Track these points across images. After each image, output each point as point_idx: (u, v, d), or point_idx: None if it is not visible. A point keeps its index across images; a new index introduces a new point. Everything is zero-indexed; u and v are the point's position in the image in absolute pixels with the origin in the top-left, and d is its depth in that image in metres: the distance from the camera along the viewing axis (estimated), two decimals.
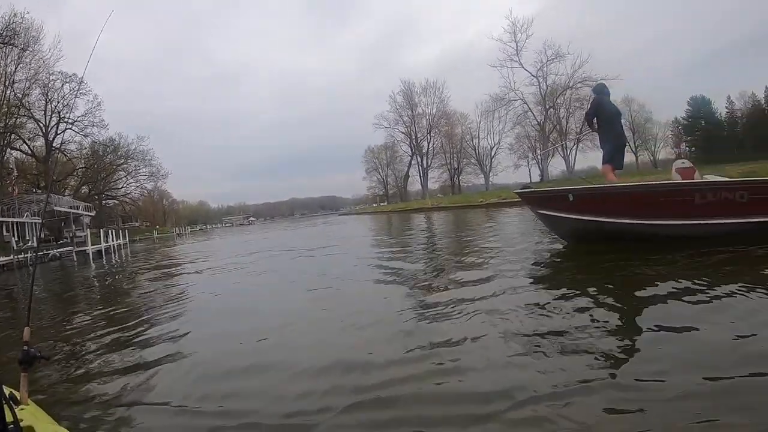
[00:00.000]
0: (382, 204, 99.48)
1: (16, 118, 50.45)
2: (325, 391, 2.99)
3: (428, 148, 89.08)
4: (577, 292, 4.87)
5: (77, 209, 46.52)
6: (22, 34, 47.73)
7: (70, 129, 57.75)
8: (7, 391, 1.50)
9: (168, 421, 2.86)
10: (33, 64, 51.09)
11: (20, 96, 50.29)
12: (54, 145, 56.85)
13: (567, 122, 70.87)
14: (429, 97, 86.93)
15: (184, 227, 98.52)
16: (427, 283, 6.57)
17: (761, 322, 3.36)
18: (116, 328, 5.70)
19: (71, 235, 35.00)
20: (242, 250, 18.35)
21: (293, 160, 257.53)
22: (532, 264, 7.01)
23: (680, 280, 4.72)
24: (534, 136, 75.05)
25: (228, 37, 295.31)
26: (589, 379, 2.75)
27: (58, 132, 57.13)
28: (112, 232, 35.53)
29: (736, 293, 4.09)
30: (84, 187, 65.54)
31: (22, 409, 1.60)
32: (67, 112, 55.66)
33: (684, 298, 4.13)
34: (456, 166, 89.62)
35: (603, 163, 8.04)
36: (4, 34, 45.53)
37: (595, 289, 4.88)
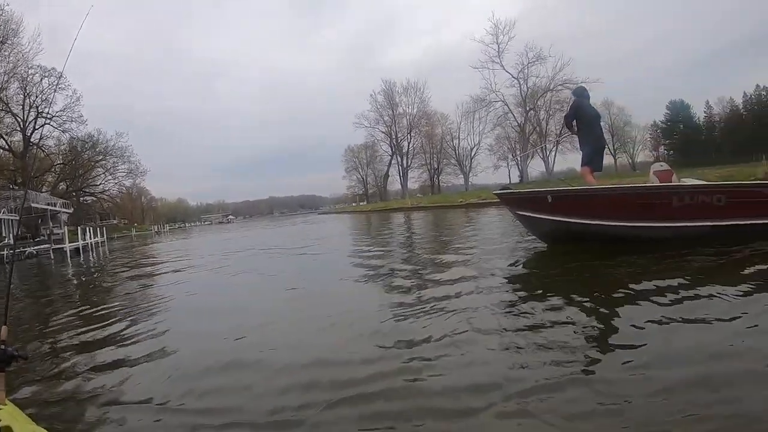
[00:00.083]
0: (361, 203, 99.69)
1: None
2: (306, 388, 3.01)
3: (408, 148, 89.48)
4: (554, 292, 4.92)
5: (55, 206, 45.77)
6: (1, 27, 47.03)
7: (49, 124, 56.90)
8: None
9: (147, 418, 2.84)
10: (12, 58, 50.32)
11: None
12: (32, 140, 55.96)
13: (547, 124, 71.77)
14: (410, 97, 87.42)
15: (163, 225, 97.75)
16: (405, 281, 6.60)
17: (736, 319, 3.45)
18: (94, 326, 5.64)
19: (49, 232, 34.43)
20: (221, 249, 18.26)
21: (273, 159, 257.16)
22: (510, 264, 7.06)
23: (657, 280, 4.81)
24: (514, 137, 75.73)
25: (208, 34, 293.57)
26: (567, 375, 2.80)
27: (36, 127, 56.18)
28: (89, 229, 35.06)
29: (713, 293, 4.18)
30: (62, 183, 64.49)
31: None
32: (45, 107, 54.86)
33: (660, 297, 4.20)
34: (436, 166, 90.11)
35: (582, 165, 8.14)
36: None
37: (572, 288, 4.94)
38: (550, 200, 7.46)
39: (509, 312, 4.36)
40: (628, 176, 36.82)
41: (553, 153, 68.14)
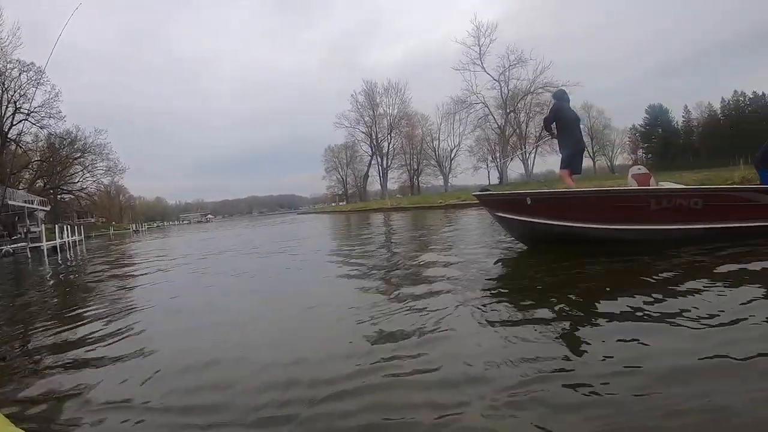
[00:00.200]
0: (341, 203, 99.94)
1: None
2: (287, 386, 3.02)
3: (388, 149, 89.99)
4: (533, 291, 5.02)
5: (32, 204, 45.10)
6: None
7: (27, 120, 56.10)
8: None
9: (132, 418, 2.82)
10: None
11: None
12: (9, 136, 55.11)
13: (527, 126, 72.10)
14: (391, 98, 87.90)
15: (141, 224, 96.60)
16: (385, 280, 6.62)
17: (713, 317, 3.55)
18: (72, 326, 5.58)
19: (26, 230, 33.93)
20: (200, 249, 18.11)
21: (252, 158, 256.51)
22: (489, 264, 7.11)
23: (634, 281, 4.94)
24: (494, 139, 76.15)
25: (188, 31, 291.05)
26: (545, 372, 2.85)
27: (14, 123, 55.43)
28: (67, 228, 34.60)
29: (689, 292, 4.30)
30: (39, 180, 63.63)
31: None
32: (23, 102, 54.09)
33: (637, 296, 4.27)
34: (416, 167, 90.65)
35: (561, 168, 8.21)
36: None
37: (550, 288, 5.04)
38: (529, 202, 7.52)
39: (488, 310, 4.39)
40: (606, 179, 37.15)
41: (532, 155, 68.69)
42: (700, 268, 5.42)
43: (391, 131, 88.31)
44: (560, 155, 8.30)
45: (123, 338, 4.79)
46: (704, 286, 4.45)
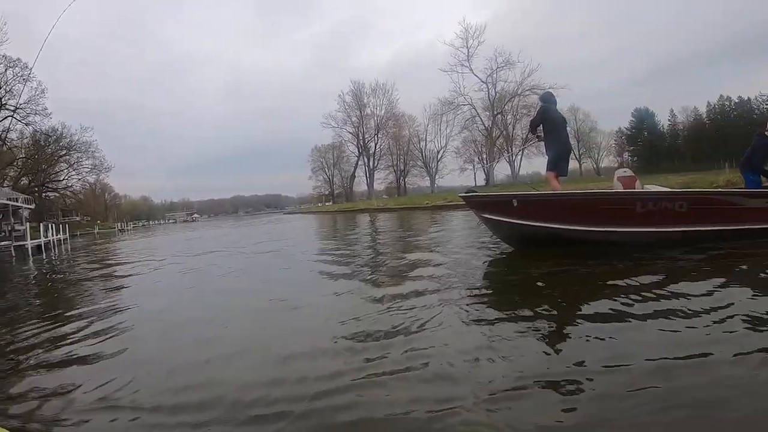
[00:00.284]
0: (327, 204, 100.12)
1: None
2: (272, 384, 3.03)
3: (375, 149, 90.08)
4: (518, 292, 5.11)
5: (16, 201, 44.57)
6: None
7: (12, 117, 55.45)
8: None
9: (117, 417, 2.82)
10: None
11: None
12: None
13: (513, 128, 72.30)
14: (378, 99, 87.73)
15: (126, 223, 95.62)
16: (372, 281, 6.65)
17: (697, 317, 3.63)
18: (57, 325, 5.52)
19: (10, 228, 33.51)
20: (186, 249, 17.99)
21: (238, 157, 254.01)
22: (475, 265, 7.17)
23: (618, 282, 4.98)
24: (481, 140, 76.29)
25: (173, 28, 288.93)
26: (531, 371, 2.87)
27: None
28: (52, 226, 34.31)
29: (673, 292, 4.37)
30: (24, 178, 62.92)
31: None
32: (9, 98, 53.50)
33: (622, 297, 4.32)
34: (402, 167, 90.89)
35: (547, 170, 8.24)
36: None
37: (535, 289, 5.13)
38: (515, 204, 7.55)
39: (474, 310, 4.43)
40: (592, 181, 37.42)
41: (518, 157, 69.03)
42: (684, 269, 5.51)
43: (378, 132, 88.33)
44: (546, 157, 8.35)
45: (109, 338, 4.75)
46: (687, 287, 4.51)
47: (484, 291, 5.37)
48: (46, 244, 29.56)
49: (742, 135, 46.10)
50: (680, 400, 2.38)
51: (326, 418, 2.55)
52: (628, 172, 8.58)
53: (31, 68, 48.55)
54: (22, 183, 61.09)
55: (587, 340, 3.38)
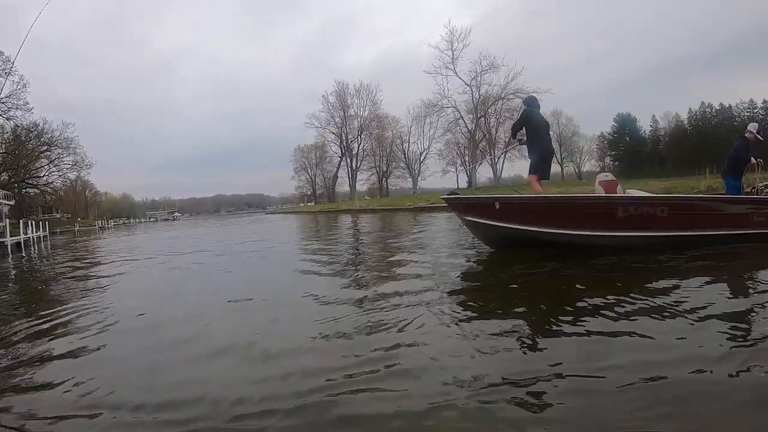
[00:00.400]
0: (309, 204, 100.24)
1: None
2: (264, 381, 3.04)
3: (358, 150, 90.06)
4: (501, 293, 5.13)
5: None
6: None
7: None
8: None
9: (101, 412, 2.80)
10: None
11: None
12: None
13: (497, 131, 72.57)
14: (362, 99, 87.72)
15: (107, 220, 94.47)
16: (355, 280, 6.68)
17: (679, 317, 3.72)
18: (36, 323, 5.43)
19: None
20: (168, 248, 17.85)
21: (221, 156, 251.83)
22: (457, 267, 7.19)
23: (601, 285, 5.04)
24: (464, 143, 76.44)
25: (159, 25, 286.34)
26: (520, 371, 2.91)
27: None
28: (32, 223, 33.86)
29: (654, 295, 4.44)
30: (4, 174, 62.00)
31: None
32: None
33: (604, 299, 4.38)
34: (385, 169, 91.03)
35: (530, 173, 8.29)
36: None
37: (517, 291, 5.16)
38: (497, 207, 7.58)
39: (456, 311, 4.45)
40: (574, 185, 37.80)
41: (501, 159, 69.25)
42: (663, 272, 5.60)
43: (361, 133, 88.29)
44: (529, 161, 8.40)
45: (89, 335, 4.70)
46: (666, 288, 4.63)
47: (464, 291, 5.43)
48: (26, 241, 29.18)
49: (724, 141, 46.83)
50: (668, 397, 2.43)
51: (312, 416, 2.56)
52: (610, 177, 8.67)
53: (13, 61, 47.77)
54: (1, 179, 60.22)
55: (567, 339, 3.43)
